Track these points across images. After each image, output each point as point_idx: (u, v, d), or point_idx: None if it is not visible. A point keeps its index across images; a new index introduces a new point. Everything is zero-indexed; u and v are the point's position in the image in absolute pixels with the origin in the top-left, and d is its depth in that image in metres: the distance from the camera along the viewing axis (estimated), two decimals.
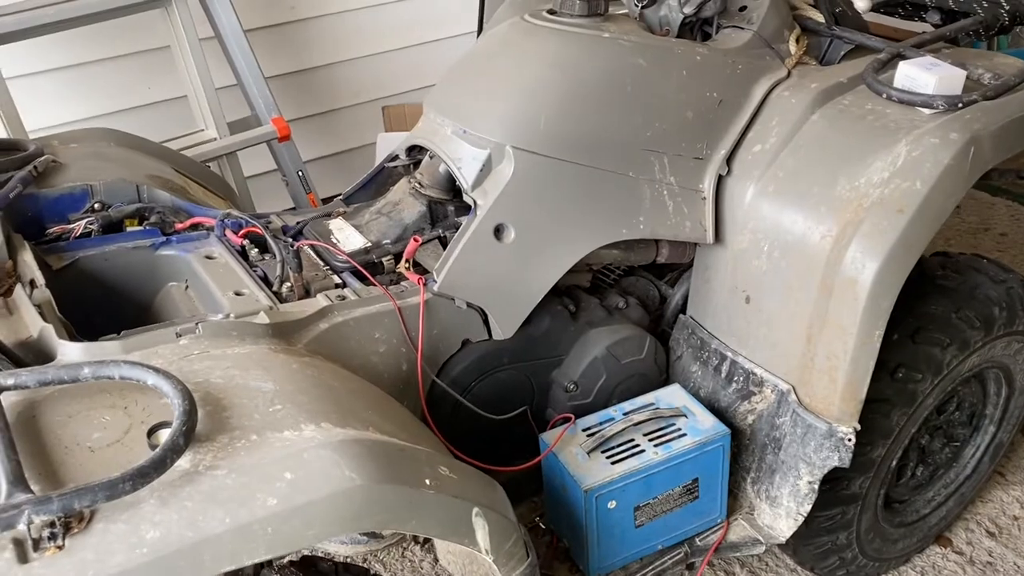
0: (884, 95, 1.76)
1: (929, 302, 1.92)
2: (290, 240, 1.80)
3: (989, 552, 2.42)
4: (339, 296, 1.62)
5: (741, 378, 1.89)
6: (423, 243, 1.78)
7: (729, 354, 1.90)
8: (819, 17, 2.07)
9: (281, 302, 1.62)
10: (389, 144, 3.59)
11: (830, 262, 1.67)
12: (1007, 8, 2.06)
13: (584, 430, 1.80)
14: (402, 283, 1.73)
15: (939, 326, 1.90)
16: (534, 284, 1.76)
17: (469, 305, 1.73)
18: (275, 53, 3.26)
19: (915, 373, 1.87)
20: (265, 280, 1.70)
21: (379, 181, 2.06)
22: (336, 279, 1.73)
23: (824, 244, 1.68)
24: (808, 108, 1.82)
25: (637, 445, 1.75)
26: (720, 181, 1.87)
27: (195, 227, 1.83)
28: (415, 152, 1.97)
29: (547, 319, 1.84)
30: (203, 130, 2.69)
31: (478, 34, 3.68)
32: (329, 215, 1.94)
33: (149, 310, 1.75)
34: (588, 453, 1.73)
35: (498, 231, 1.72)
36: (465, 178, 1.74)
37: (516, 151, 1.71)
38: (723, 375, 1.93)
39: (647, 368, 1.97)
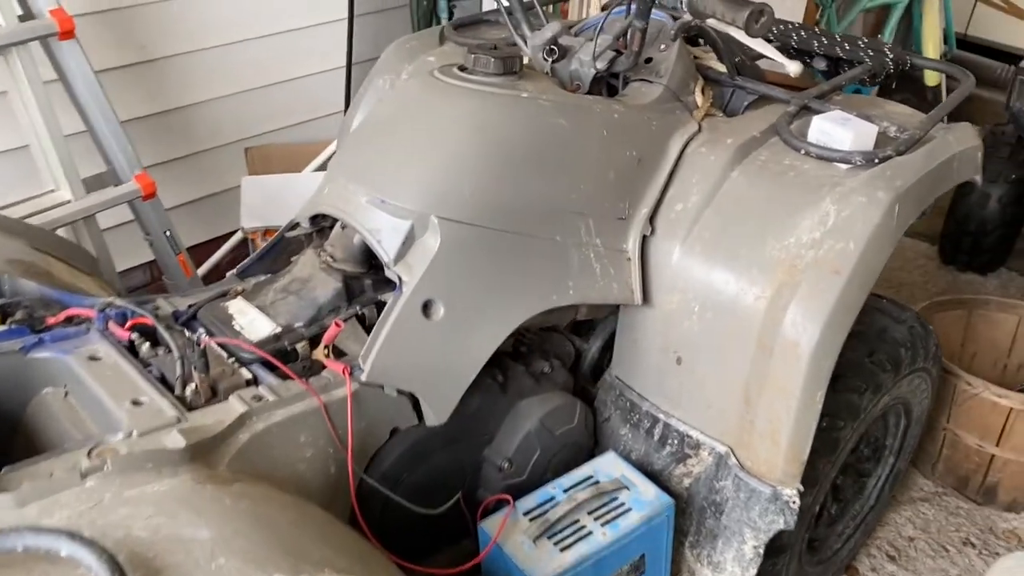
0: (802, 151, 1.76)
1: (844, 347, 1.95)
2: (184, 330, 1.59)
3: None
4: (255, 397, 1.44)
5: (675, 441, 1.84)
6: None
7: (662, 416, 1.85)
8: (720, 67, 2.07)
9: (187, 408, 1.41)
10: (255, 188, 3.36)
11: (767, 324, 1.65)
12: (891, 57, 2.13)
13: (525, 514, 1.69)
14: (322, 373, 1.56)
15: (855, 372, 1.93)
16: (467, 362, 1.64)
17: (400, 391, 1.59)
18: (125, 96, 2.96)
19: (838, 421, 1.89)
20: (163, 381, 1.49)
21: (276, 252, 1.87)
22: (245, 373, 1.54)
23: (758, 305, 1.66)
24: (727, 165, 1.80)
25: (583, 527, 1.66)
26: (644, 241, 1.82)
27: (70, 320, 1.58)
28: (319, 219, 1.79)
29: (477, 396, 1.72)
30: (53, 190, 2.37)
31: (347, 71, 3.52)
32: (225, 294, 1.73)
33: (19, 423, 1.50)
34: (534, 541, 1.62)
35: (427, 308, 1.59)
36: (386, 251, 1.60)
37: (441, 221, 1.59)
38: (656, 438, 1.87)
39: (580, 436, 1.89)
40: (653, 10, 1.82)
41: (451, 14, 3.65)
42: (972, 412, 2.62)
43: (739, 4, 1.62)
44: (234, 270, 1.86)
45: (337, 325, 1.55)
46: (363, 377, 1.52)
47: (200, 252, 3.40)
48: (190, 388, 1.45)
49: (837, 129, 1.76)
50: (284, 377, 1.52)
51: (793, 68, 1.82)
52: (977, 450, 2.66)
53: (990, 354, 3.00)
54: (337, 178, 1.70)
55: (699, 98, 1.99)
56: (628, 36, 1.85)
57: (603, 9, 2.13)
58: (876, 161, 1.71)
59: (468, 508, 1.77)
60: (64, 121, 2.48)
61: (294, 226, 1.82)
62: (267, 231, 3.29)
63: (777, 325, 1.62)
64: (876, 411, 2.05)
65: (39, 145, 2.40)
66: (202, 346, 1.44)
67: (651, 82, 1.94)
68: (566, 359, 2.08)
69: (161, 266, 2.59)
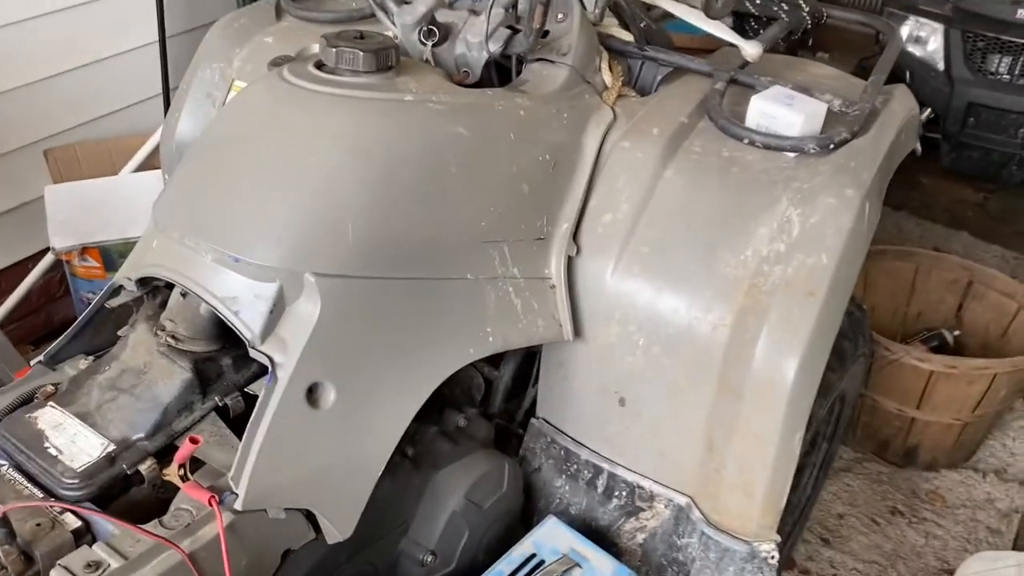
0: (745, 140, 1.48)
1: None
2: None
3: (831, 562, 2.37)
4: (90, 564, 1.03)
5: (623, 493, 1.56)
6: (199, 427, 1.22)
7: (605, 466, 1.56)
8: (623, 34, 1.74)
9: None
10: (62, 199, 2.79)
11: (730, 359, 1.37)
12: (807, 11, 1.87)
13: None
14: (178, 504, 1.15)
15: None
16: (371, 454, 1.28)
17: (288, 509, 1.21)
18: None
19: None
20: None
21: (95, 325, 1.42)
22: (71, 521, 1.12)
23: (718, 336, 1.38)
24: (658, 162, 1.49)
25: None
26: (570, 263, 1.49)
27: None
28: (148, 280, 1.35)
29: (384, 480, 1.35)
30: None
31: (161, 45, 2.95)
32: (32, 399, 1.28)
33: None
34: None
35: (312, 394, 1.21)
36: (248, 327, 1.19)
37: (319, 278, 1.20)
38: (599, 490, 1.58)
39: (511, 502, 1.58)
40: None
41: None
42: (892, 377, 2.50)
43: None
44: (40, 357, 1.39)
45: (193, 441, 1.14)
46: (238, 505, 1.13)
47: (4, 280, 2.81)
48: None
49: (782, 110, 1.48)
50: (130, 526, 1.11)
51: (752, 51, 1.51)
52: (897, 414, 2.56)
53: (889, 304, 2.90)
54: (169, 229, 1.26)
55: (607, 76, 1.66)
56: (525, 9, 1.49)
57: None
58: (831, 147, 1.44)
59: None
60: None
61: (116, 290, 1.37)
62: (84, 249, 2.75)
63: (744, 361, 1.35)
64: (823, 412, 1.85)
65: None
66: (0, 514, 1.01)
67: (552, 62, 1.59)
68: (476, 395, 1.75)
69: None
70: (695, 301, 1.40)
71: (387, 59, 1.32)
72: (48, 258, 2.77)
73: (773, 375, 1.32)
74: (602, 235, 1.48)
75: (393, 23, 1.56)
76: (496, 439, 1.68)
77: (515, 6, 1.55)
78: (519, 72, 1.63)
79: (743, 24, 1.92)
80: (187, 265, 1.24)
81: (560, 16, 1.62)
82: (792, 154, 1.46)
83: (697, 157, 1.49)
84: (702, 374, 1.40)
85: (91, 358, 1.40)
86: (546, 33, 1.61)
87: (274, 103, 1.30)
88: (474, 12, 1.57)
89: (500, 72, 1.64)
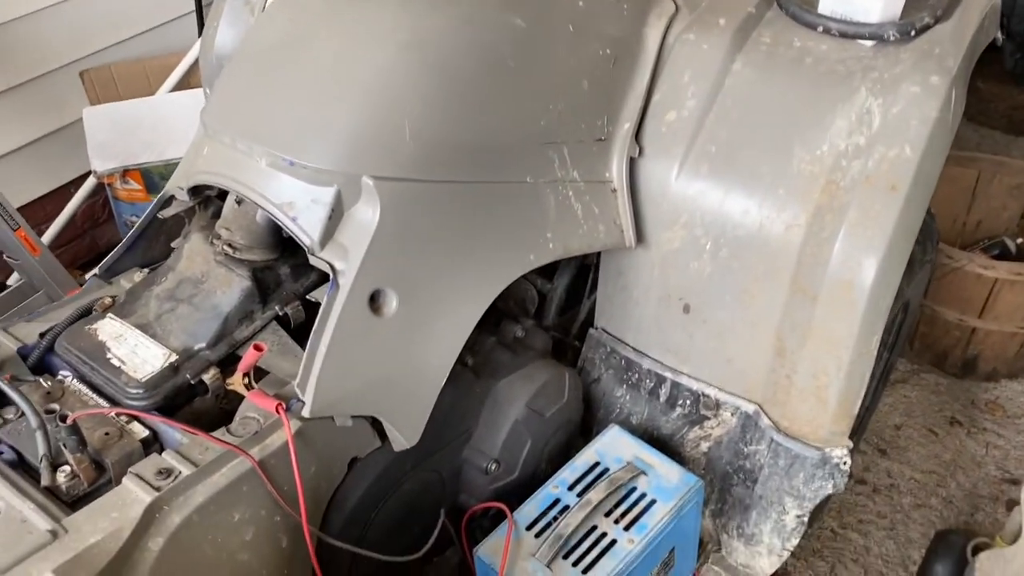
0: (819, 28, 1.38)
1: None
2: (39, 380, 1.13)
3: (888, 472, 2.34)
4: (161, 472, 1.02)
5: (688, 401, 1.52)
6: (261, 336, 1.19)
7: (668, 374, 1.52)
8: None
9: (66, 505, 0.99)
10: (100, 120, 2.75)
11: (804, 260, 1.31)
12: None
13: (529, 528, 1.35)
14: (244, 412, 1.14)
15: None
16: (435, 362, 1.25)
17: (354, 417, 1.19)
18: None
19: None
20: (22, 464, 1.05)
21: (148, 237, 1.39)
22: (139, 430, 1.11)
23: (791, 237, 1.32)
24: (726, 56, 1.40)
25: (604, 534, 1.34)
26: (632, 165, 1.43)
27: None
28: (201, 188, 1.32)
29: (448, 390, 1.32)
30: None
31: None
32: (90, 311, 1.26)
33: None
34: (548, 565, 1.29)
35: (375, 301, 1.18)
36: (307, 233, 1.16)
37: (378, 181, 1.15)
38: (662, 399, 1.55)
39: (572, 412, 1.55)
40: None
41: None
42: (953, 286, 2.42)
43: None
44: (95, 270, 1.37)
45: (257, 349, 1.12)
46: (305, 412, 1.11)
47: (49, 205, 2.81)
48: (63, 474, 1.02)
49: None
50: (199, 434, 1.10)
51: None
52: (957, 324, 2.49)
53: (948, 212, 2.80)
54: (219, 134, 1.22)
55: None
56: None
57: None
58: (912, 34, 1.35)
59: (450, 518, 1.42)
60: None
61: (167, 201, 1.33)
62: (125, 171, 2.72)
63: (820, 262, 1.29)
64: (890, 321, 1.78)
65: None
66: (69, 421, 0.99)
67: None
68: (530, 307, 1.71)
69: (1, 246, 2.04)
70: (767, 201, 1.33)
71: None
72: (90, 181, 2.76)
73: (852, 275, 1.26)
74: (666, 134, 1.41)
75: None
76: (552, 352, 1.65)
77: None
78: None
79: None
80: (241, 170, 1.20)
81: None
82: (870, 42, 1.37)
83: (767, 48, 1.41)
84: (774, 277, 1.34)
85: (146, 271, 1.38)
86: None
87: (323, 1, 1.23)
88: None
89: None
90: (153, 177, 2.74)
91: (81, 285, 2.14)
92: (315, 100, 1.18)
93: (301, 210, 1.16)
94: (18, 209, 2.58)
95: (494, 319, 1.58)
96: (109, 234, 3.00)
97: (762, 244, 1.34)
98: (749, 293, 1.38)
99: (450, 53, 1.20)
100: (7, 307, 2.21)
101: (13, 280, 2.42)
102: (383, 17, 1.20)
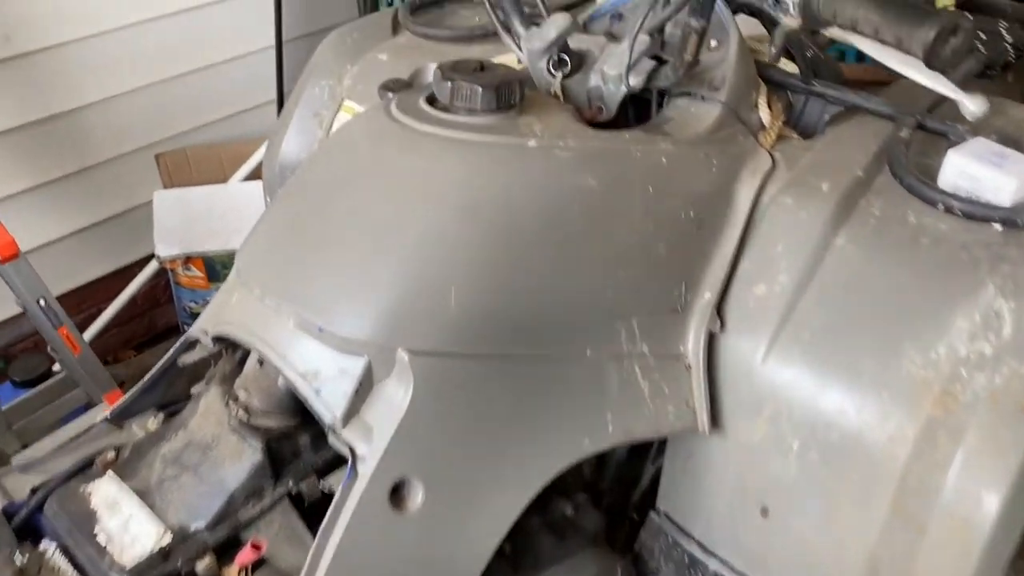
0: (940, 206, 1.20)
1: None
2: (16, 552, 1.00)
3: None
4: None
5: None
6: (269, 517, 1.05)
7: None
8: (788, 66, 1.48)
9: None
10: (170, 205, 2.73)
11: (910, 480, 1.10)
12: (1010, 41, 1.55)
13: None
14: None
15: None
16: (464, 564, 1.08)
17: None
18: None
19: None
20: None
21: (167, 379, 1.27)
22: None
23: (895, 450, 1.11)
24: (827, 226, 1.23)
25: None
26: (711, 341, 1.25)
27: None
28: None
29: None
30: None
31: (278, 51, 2.86)
32: (91, 466, 1.14)
33: None
34: None
35: (397, 494, 1.02)
36: (331, 408, 1.01)
37: (413, 357, 1.00)
38: None
39: None
40: None
41: None
42: None
43: (910, 10, 1.02)
44: (105, 413, 1.25)
45: (256, 547, 0.97)
46: None
47: (109, 285, 2.77)
48: None
49: (988, 171, 1.20)
50: None
51: (975, 108, 1.23)
52: None
53: None
54: (250, 283, 1.10)
55: (765, 115, 1.40)
56: (675, 37, 1.26)
57: None
58: None
59: None
60: None
61: (191, 344, 1.22)
62: (188, 258, 2.68)
63: (931, 488, 1.08)
64: None
65: None
66: None
67: (701, 97, 1.36)
68: (586, 468, 1.53)
69: (44, 338, 1.98)
70: (868, 403, 1.13)
71: (509, 96, 1.11)
72: (152, 265, 2.72)
73: (969, 512, 1.05)
74: (753, 309, 1.24)
75: (519, 48, 1.35)
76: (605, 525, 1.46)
77: (662, 31, 1.32)
78: (660, 107, 1.40)
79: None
80: (266, 328, 1.07)
81: (714, 43, 1.38)
82: (1000, 226, 1.18)
83: (876, 223, 1.22)
84: (871, 493, 1.14)
85: (161, 414, 1.26)
86: (696, 63, 1.37)
87: (375, 145, 1.11)
88: (613, 37, 1.35)
89: (637, 106, 1.42)
90: (215, 265, 2.69)
91: (120, 388, 2.05)
92: (351, 259, 1.05)
93: (325, 381, 1.03)
94: (78, 289, 2.55)
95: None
96: (168, 316, 2.95)
97: (859, 453, 1.14)
98: (840, 507, 1.17)
99: (511, 218, 1.06)
100: (50, 397, 2.16)
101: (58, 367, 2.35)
102: (440, 170, 1.07)
